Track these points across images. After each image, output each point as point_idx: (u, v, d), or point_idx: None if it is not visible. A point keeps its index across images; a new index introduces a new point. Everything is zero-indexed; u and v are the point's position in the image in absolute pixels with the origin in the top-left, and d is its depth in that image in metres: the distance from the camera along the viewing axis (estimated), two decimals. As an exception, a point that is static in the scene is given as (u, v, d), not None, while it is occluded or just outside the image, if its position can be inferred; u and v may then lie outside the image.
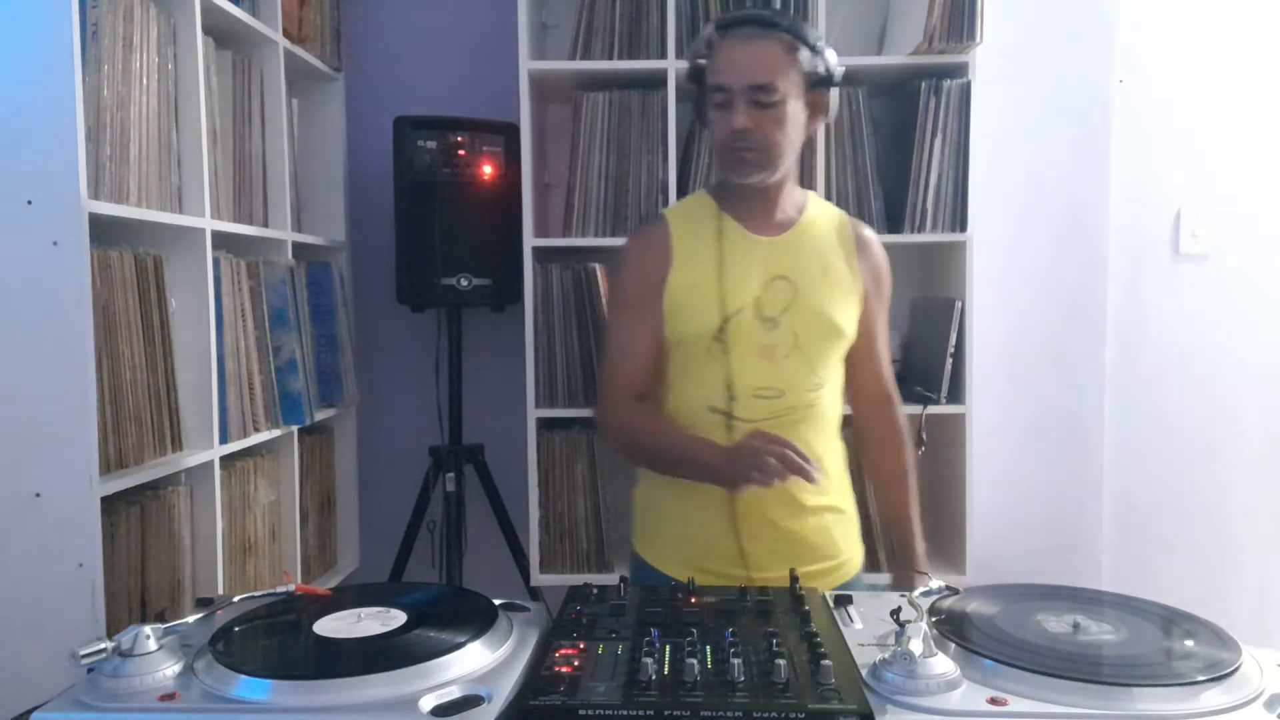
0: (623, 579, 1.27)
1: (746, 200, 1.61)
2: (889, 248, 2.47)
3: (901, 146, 2.34)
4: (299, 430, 2.30)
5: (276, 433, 2.19)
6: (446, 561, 2.41)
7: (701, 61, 1.59)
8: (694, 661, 0.97)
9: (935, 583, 1.19)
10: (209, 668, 0.99)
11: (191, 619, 1.09)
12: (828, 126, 2.28)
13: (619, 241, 1.83)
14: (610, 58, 2.32)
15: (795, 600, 1.21)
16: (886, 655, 0.99)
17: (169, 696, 0.95)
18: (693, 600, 1.21)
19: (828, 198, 2.28)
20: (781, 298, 1.57)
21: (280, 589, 1.20)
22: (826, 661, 0.96)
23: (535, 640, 1.11)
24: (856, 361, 1.69)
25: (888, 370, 1.75)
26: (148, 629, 0.99)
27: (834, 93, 1.59)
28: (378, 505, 2.73)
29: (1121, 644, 1.07)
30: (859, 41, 2.50)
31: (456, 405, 2.52)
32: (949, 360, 2.29)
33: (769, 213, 1.62)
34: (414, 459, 2.58)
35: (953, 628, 1.09)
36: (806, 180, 2.28)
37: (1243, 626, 1.10)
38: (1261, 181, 2.60)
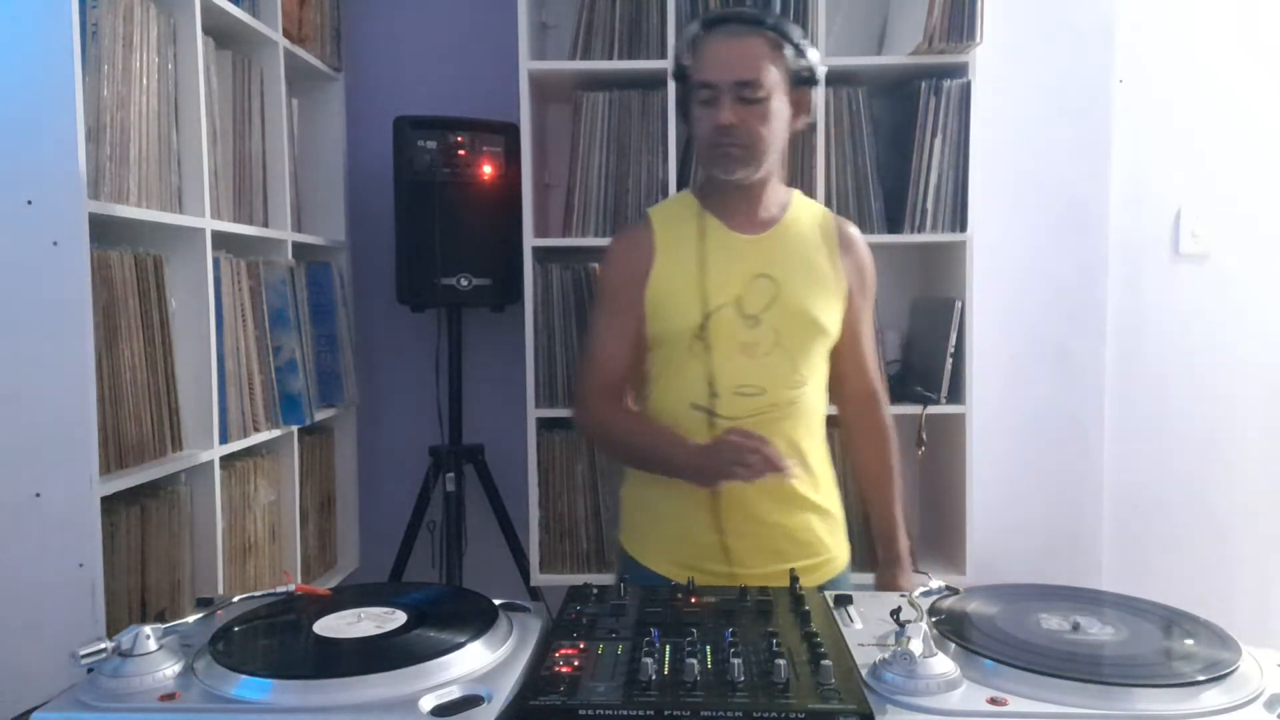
0: (622, 579, 1.27)
1: (730, 198, 1.62)
2: (889, 248, 2.51)
3: (901, 146, 2.34)
4: (299, 430, 2.30)
5: (276, 433, 2.19)
6: (446, 561, 2.41)
7: (686, 61, 1.60)
8: (694, 661, 0.97)
9: (935, 583, 1.19)
10: (209, 668, 0.99)
11: (191, 619, 1.09)
12: (828, 126, 2.28)
13: (618, 241, 1.83)
14: (610, 58, 2.32)
15: (795, 600, 1.21)
16: (886, 655, 0.99)
17: (169, 696, 0.95)
18: (693, 600, 1.21)
19: (828, 198, 2.28)
20: (763, 295, 1.58)
21: (280, 589, 1.20)
22: (826, 661, 0.96)
23: (535, 640, 1.11)
24: (842, 359, 1.70)
25: (873, 367, 1.76)
26: (148, 629, 0.99)
27: (816, 92, 1.61)
28: (378, 505, 2.73)
29: (1121, 644, 1.07)
30: (859, 41, 2.50)
31: (456, 405, 2.52)
32: (949, 360, 2.29)
33: (752, 211, 1.63)
34: (414, 459, 2.58)
35: (953, 628, 1.09)
36: (807, 180, 2.29)
37: (1243, 626, 1.10)
38: (1261, 181, 2.60)
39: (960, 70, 2.27)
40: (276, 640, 1.12)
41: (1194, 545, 2.62)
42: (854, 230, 1.71)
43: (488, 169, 2.39)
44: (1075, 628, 1.10)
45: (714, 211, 1.63)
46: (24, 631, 1.48)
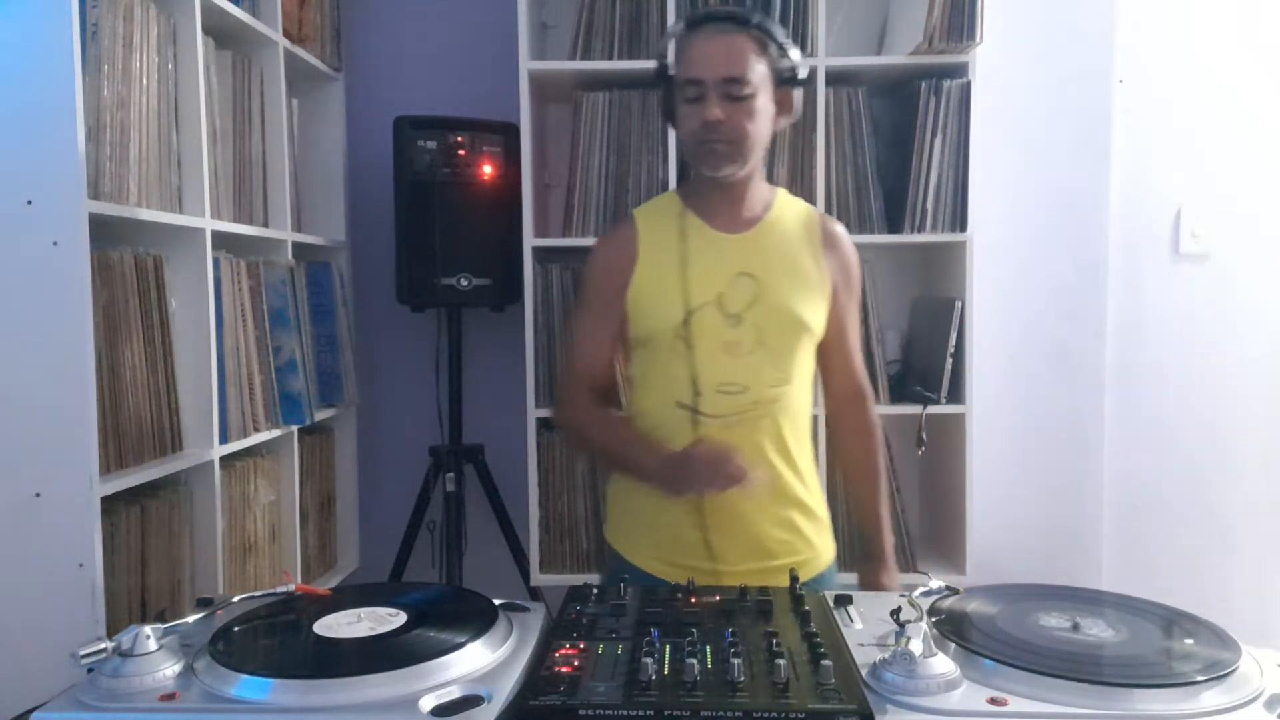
0: (622, 579, 1.27)
1: (713, 197, 1.63)
2: (889, 248, 2.51)
3: (901, 146, 2.34)
4: (299, 430, 2.30)
5: (276, 433, 2.19)
6: (446, 561, 2.41)
7: (670, 60, 1.61)
8: (694, 661, 0.97)
9: (935, 583, 1.19)
10: (209, 668, 0.99)
11: (191, 619, 1.09)
12: (828, 126, 2.28)
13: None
14: (610, 58, 2.32)
15: (795, 600, 1.21)
16: (886, 655, 0.99)
17: (169, 696, 0.95)
18: (693, 600, 1.21)
19: (828, 198, 2.29)
20: (745, 294, 1.58)
21: (280, 589, 1.20)
22: (826, 661, 0.96)
23: (535, 640, 1.11)
24: (828, 357, 1.71)
25: (860, 366, 1.76)
26: (148, 629, 0.99)
27: (798, 93, 1.62)
28: (378, 505, 2.73)
29: (1121, 644, 1.07)
30: (859, 41, 2.50)
31: (456, 405, 2.52)
32: (949, 360, 2.29)
33: (735, 210, 1.64)
34: (414, 459, 2.58)
35: (953, 628, 1.09)
36: (807, 180, 2.29)
37: (1243, 626, 1.10)
38: (1261, 181, 2.60)
39: (960, 70, 2.27)
40: (276, 640, 1.12)
41: (1194, 545, 2.62)
42: (839, 228, 1.71)
43: (488, 169, 2.39)
44: (1075, 628, 1.10)
45: (697, 211, 1.64)
46: (24, 631, 1.47)
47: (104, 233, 1.62)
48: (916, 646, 0.97)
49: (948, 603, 1.18)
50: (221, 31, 2.05)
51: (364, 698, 0.93)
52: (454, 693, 0.95)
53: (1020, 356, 2.59)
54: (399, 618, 1.11)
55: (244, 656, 1.02)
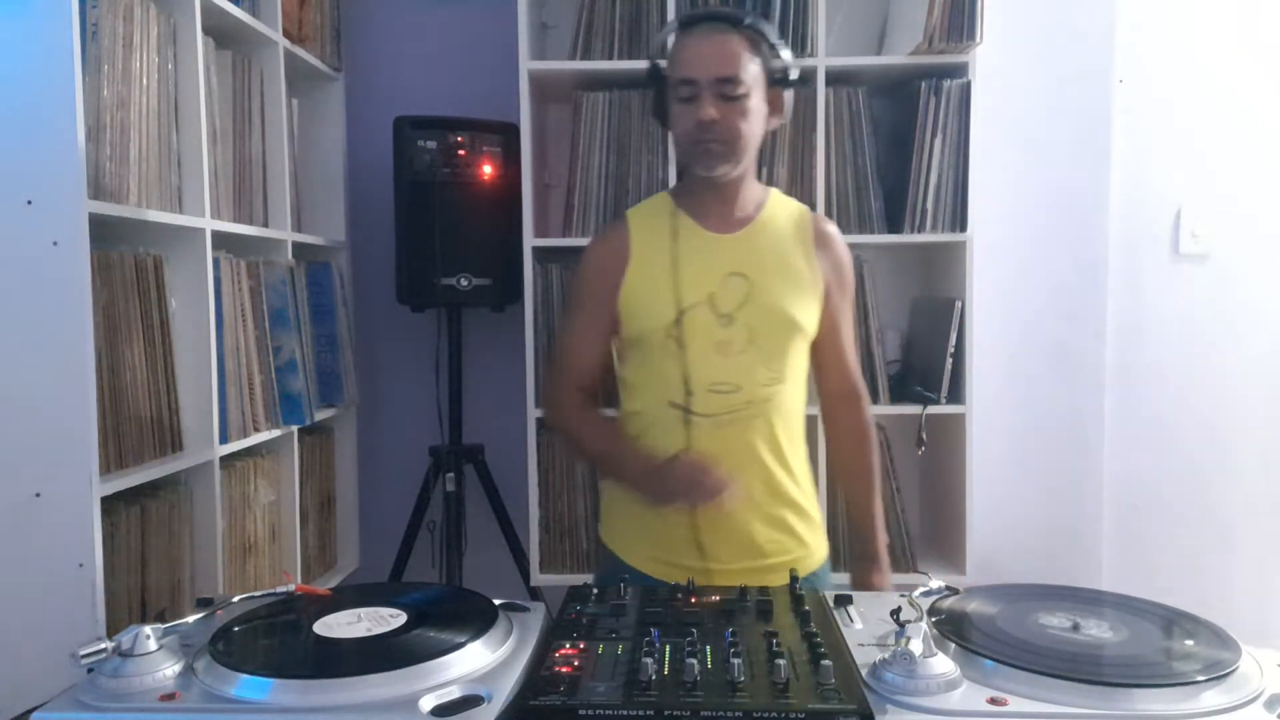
0: (622, 579, 1.27)
1: (705, 198, 1.64)
2: (889, 248, 2.51)
3: (901, 146, 2.34)
4: (299, 430, 2.30)
5: (276, 433, 2.19)
6: (446, 561, 2.41)
7: (662, 61, 1.62)
8: (694, 661, 0.97)
9: (935, 583, 1.19)
10: (209, 668, 0.99)
11: (191, 619, 1.09)
12: (828, 126, 2.28)
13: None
14: (610, 58, 2.32)
15: (795, 600, 1.21)
16: (886, 655, 0.99)
17: (169, 696, 0.95)
18: (693, 600, 1.21)
19: (828, 198, 2.29)
20: (737, 294, 1.59)
21: (280, 589, 1.20)
22: (826, 661, 0.96)
23: (535, 640, 1.11)
24: (821, 356, 1.72)
25: (854, 365, 1.77)
26: (148, 629, 1.00)
27: (788, 94, 1.62)
28: (378, 505, 2.73)
29: (1121, 644, 1.07)
30: (859, 41, 2.50)
31: (456, 405, 2.52)
32: (949, 360, 2.29)
33: (727, 210, 1.64)
34: (414, 459, 2.58)
35: (953, 628, 1.09)
36: (807, 180, 2.29)
37: (1243, 626, 1.10)
38: (1261, 181, 2.60)
39: (960, 70, 2.27)
40: (276, 640, 1.12)
41: (1194, 545, 2.62)
42: (831, 228, 1.72)
43: (488, 169, 2.39)
44: (1075, 628, 1.10)
45: (689, 211, 1.64)
46: (24, 631, 1.47)
47: (104, 233, 1.62)
48: (916, 646, 0.97)
49: (948, 603, 1.18)
50: (221, 31, 2.05)
51: (364, 698, 0.93)
52: (454, 693, 0.95)
53: (1020, 356, 2.59)
54: (399, 618, 1.11)
55: (244, 656, 1.02)
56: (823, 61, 2.25)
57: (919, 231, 2.29)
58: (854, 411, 1.77)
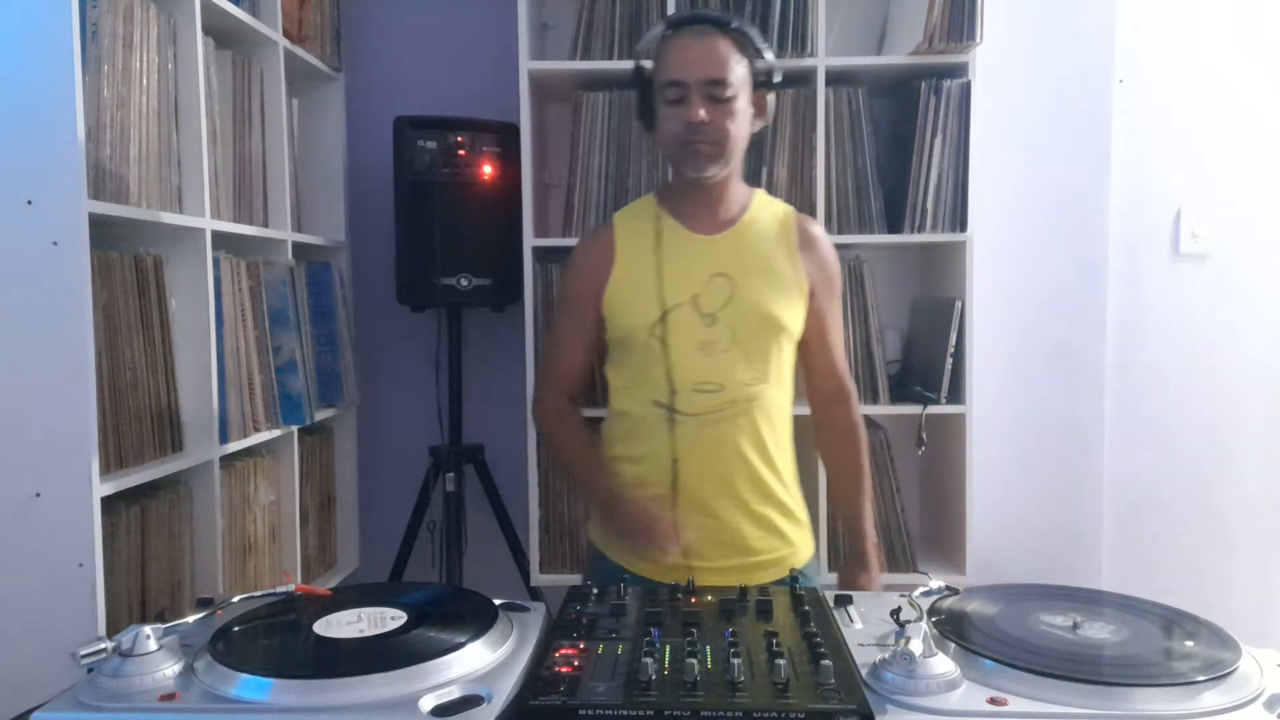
0: (623, 579, 1.27)
1: (689, 199, 1.65)
2: (889, 248, 2.51)
3: (901, 146, 2.34)
4: (299, 430, 2.30)
5: (276, 433, 2.19)
6: (446, 561, 2.41)
7: (646, 63, 1.62)
8: (694, 661, 0.97)
9: (935, 583, 1.19)
10: (209, 668, 0.99)
11: (191, 619, 1.09)
12: (828, 126, 2.28)
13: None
14: (610, 58, 2.32)
15: (795, 600, 1.21)
16: (886, 655, 0.99)
17: (169, 696, 0.95)
18: (693, 600, 1.21)
19: (828, 198, 2.28)
20: (720, 294, 1.60)
21: (280, 589, 1.20)
22: (826, 661, 0.96)
23: (535, 640, 1.11)
24: (809, 356, 1.73)
25: (842, 365, 1.77)
26: (148, 629, 1.00)
27: (771, 96, 1.64)
28: (378, 505, 2.73)
29: (1121, 644, 1.07)
30: (859, 41, 2.50)
31: (456, 405, 2.52)
32: (949, 360, 2.29)
33: (712, 212, 1.65)
34: (414, 459, 2.58)
35: (953, 628, 1.09)
36: (807, 180, 2.29)
37: (1243, 626, 1.10)
38: (1261, 181, 2.60)
39: (960, 70, 2.27)
40: (276, 640, 1.12)
41: (1194, 545, 2.62)
42: (816, 228, 1.73)
43: (487, 169, 2.39)
44: (1075, 628, 1.10)
45: (673, 213, 1.66)
46: (24, 631, 1.47)
47: (104, 233, 1.62)
48: (916, 646, 0.97)
49: (948, 603, 1.18)
50: (221, 31, 2.05)
51: (364, 698, 0.93)
52: (454, 693, 0.96)
53: (1020, 356, 2.59)
54: (399, 618, 1.11)
55: (244, 656, 1.02)
56: (823, 61, 2.25)
57: (919, 231, 2.28)
58: (843, 411, 1.77)
